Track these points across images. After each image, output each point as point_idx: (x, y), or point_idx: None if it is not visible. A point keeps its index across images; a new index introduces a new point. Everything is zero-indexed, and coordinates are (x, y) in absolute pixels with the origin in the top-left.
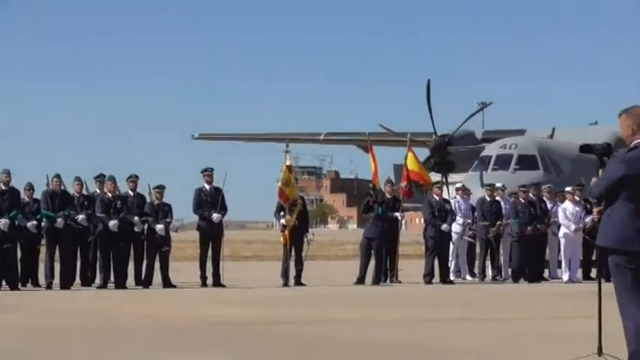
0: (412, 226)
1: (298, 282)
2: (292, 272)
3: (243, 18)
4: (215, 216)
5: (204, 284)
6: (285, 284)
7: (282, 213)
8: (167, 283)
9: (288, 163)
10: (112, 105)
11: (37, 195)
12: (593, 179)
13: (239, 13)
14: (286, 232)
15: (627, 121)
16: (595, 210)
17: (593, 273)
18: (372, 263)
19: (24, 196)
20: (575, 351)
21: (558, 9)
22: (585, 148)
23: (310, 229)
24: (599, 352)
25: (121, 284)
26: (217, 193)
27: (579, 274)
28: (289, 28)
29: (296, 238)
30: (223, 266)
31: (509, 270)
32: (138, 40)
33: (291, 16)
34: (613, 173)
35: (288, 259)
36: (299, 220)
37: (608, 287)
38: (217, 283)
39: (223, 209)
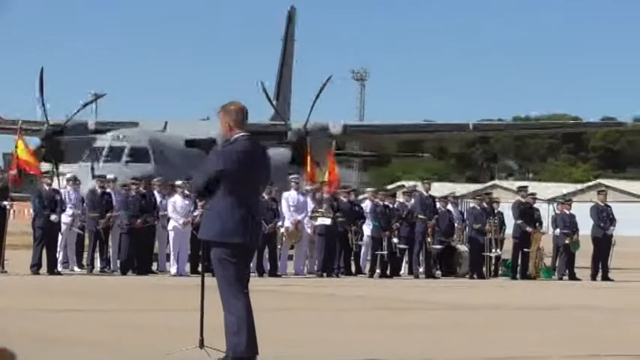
0: (21, 216)
1: None
2: None
3: None
4: None
5: None
6: None
7: None
8: None
9: None
10: None
11: None
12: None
13: None
14: None
15: (225, 117)
16: (200, 204)
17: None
18: None
19: None
20: (179, 343)
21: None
22: (191, 143)
23: None
24: (201, 344)
25: None
26: None
27: (187, 267)
28: None
29: None
30: None
31: (118, 262)
32: None
33: None
34: (212, 167)
35: None
36: None
37: (213, 281)
38: None
39: None
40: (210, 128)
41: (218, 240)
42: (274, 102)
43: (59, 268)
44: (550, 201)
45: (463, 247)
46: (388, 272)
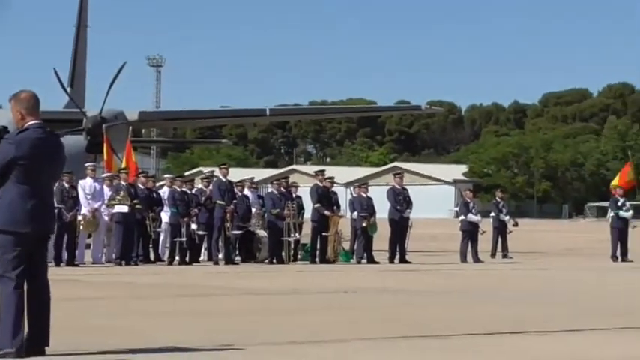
0: None
1: None
2: None
3: None
4: None
5: None
6: None
7: None
8: None
9: None
10: None
11: None
12: None
13: None
14: None
15: (16, 106)
16: None
17: None
18: None
19: None
20: None
21: None
22: None
23: None
24: None
25: None
26: None
27: None
28: None
29: None
30: None
31: None
32: None
33: None
34: (4, 155)
35: None
36: None
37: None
38: None
39: None
40: (1, 117)
41: (7, 229)
42: (68, 89)
43: None
44: (347, 184)
45: (262, 232)
46: (187, 259)
